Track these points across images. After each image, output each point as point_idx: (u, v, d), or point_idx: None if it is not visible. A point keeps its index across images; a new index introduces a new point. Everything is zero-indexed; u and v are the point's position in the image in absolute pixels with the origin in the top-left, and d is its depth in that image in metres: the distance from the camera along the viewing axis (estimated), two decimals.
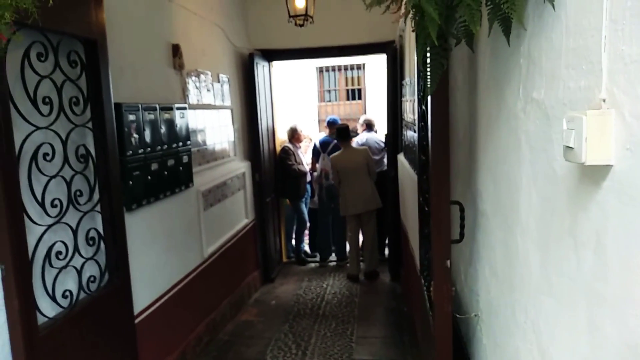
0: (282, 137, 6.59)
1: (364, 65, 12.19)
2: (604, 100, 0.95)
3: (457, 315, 2.15)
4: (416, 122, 2.79)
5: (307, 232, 6.76)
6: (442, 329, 1.93)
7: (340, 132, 5.81)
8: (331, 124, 6.51)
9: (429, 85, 1.55)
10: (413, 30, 1.53)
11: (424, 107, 2.25)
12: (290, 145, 6.32)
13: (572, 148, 0.96)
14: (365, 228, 5.87)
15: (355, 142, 6.26)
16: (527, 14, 1.31)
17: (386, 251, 6.32)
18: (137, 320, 3.06)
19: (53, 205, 2.33)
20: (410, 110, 4.03)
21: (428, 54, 1.54)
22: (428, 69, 1.53)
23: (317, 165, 6.35)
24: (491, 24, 1.33)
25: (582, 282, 1.05)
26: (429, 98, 1.92)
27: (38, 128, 2.24)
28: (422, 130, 2.42)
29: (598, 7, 0.96)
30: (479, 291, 2.00)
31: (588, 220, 1.02)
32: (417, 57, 1.54)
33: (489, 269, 1.82)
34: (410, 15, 1.48)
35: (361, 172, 5.63)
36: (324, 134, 6.81)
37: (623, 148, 0.89)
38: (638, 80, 0.84)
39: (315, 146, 6.51)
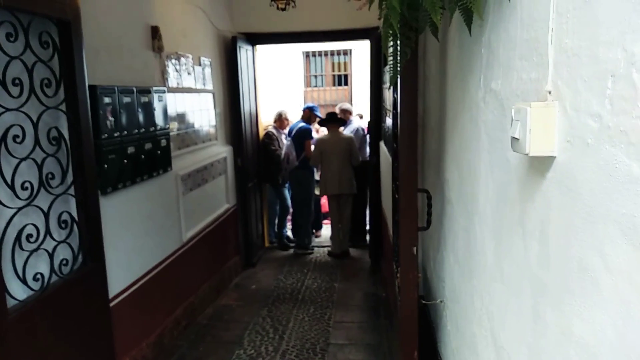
0: (265, 122, 6.57)
1: (350, 51, 12.14)
2: (549, 93, 0.96)
3: (424, 302, 2.19)
4: (391, 109, 2.81)
5: (289, 217, 6.77)
6: (408, 314, 1.96)
7: (328, 117, 6.10)
8: (307, 109, 6.40)
9: (392, 74, 1.56)
10: (379, 18, 1.54)
11: (395, 95, 2.26)
12: (273, 131, 6.30)
13: (518, 139, 0.98)
14: (343, 211, 6.11)
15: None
16: (489, 4, 1.32)
17: (367, 238, 6.37)
18: (112, 304, 3.06)
19: (23, 188, 2.31)
20: (389, 98, 4.04)
21: (392, 43, 1.54)
22: (393, 57, 1.53)
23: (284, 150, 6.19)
24: (452, 14, 1.33)
25: (529, 271, 1.08)
26: (398, 87, 1.93)
27: (7, 110, 2.21)
28: (394, 118, 2.43)
29: None
30: (444, 278, 2.03)
31: (534, 210, 1.04)
32: (383, 45, 1.54)
33: (453, 256, 1.85)
34: (375, 3, 1.48)
35: (342, 157, 5.87)
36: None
37: (565, 140, 0.91)
38: (578, 74, 0.86)
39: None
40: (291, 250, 6.39)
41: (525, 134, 0.95)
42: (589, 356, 0.82)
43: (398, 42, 1.48)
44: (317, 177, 6.54)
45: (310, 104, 6.60)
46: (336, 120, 6.08)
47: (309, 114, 6.37)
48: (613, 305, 0.75)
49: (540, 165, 0.99)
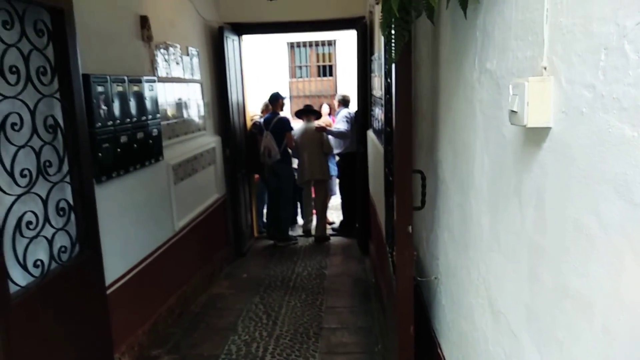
0: (252, 112, 6.59)
1: (335, 41, 12.18)
2: (545, 68, 1.04)
3: (418, 279, 2.27)
4: (382, 95, 2.87)
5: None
6: (404, 290, 2.04)
7: (305, 108, 6.61)
8: (274, 99, 6.23)
9: (390, 57, 1.62)
10: (377, 3, 1.59)
11: (389, 80, 2.33)
12: (261, 121, 6.32)
13: (516, 112, 1.05)
14: (317, 197, 6.48)
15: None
16: None
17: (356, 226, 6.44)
18: (108, 291, 3.10)
19: (22, 175, 2.33)
20: (379, 86, 4.10)
21: (392, 26, 1.60)
22: (389, 41, 1.59)
23: (262, 144, 6.09)
24: None
25: (525, 237, 1.16)
26: (393, 71, 1.99)
27: (5, 97, 2.23)
28: (387, 102, 2.49)
29: None
30: (438, 255, 2.11)
31: (530, 180, 1.12)
32: (381, 29, 1.60)
33: (447, 233, 1.93)
34: None
35: (314, 145, 6.28)
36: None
37: (560, 111, 0.98)
38: (573, 49, 0.93)
39: (259, 124, 6.29)
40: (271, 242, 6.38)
41: (523, 107, 1.02)
42: (585, 306, 0.90)
43: (397, 26, 1.54)
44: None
45: (273, 93, 6.33)
46: (312, 111, 6.49)
47: (282, 103, 6.30)
48: (607, 258, 0.83)
49: (536, 136, 1.07)
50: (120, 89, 3.26)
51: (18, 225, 2.31)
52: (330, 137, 6.43)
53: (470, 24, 1.51)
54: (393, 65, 1.96)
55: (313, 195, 6.62)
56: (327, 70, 12.63)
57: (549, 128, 1.01)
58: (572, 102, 0.93)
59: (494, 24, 1.33)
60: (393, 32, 1.61)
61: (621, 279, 0.80)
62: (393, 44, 1.62)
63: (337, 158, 6.73)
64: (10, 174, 2.26)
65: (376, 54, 4.52)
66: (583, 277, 0.90)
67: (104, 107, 3.06)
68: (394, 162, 2.04)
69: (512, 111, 1.06)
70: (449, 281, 1.93)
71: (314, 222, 6.61)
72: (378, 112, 4.18)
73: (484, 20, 1.41)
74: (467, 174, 1.60)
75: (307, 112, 6.45)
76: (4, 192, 2.22)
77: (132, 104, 3.41)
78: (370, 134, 5.15)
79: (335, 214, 7.48)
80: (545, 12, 1.03)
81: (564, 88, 0.96)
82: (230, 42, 5.64)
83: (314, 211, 6.64)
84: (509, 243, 1.25)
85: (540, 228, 1.08)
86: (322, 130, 6.33)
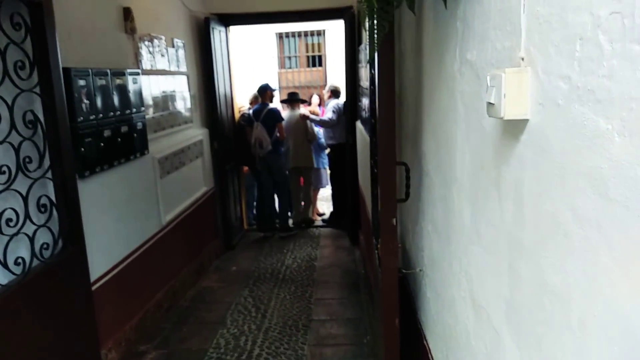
0: (240, 104, 6.54)
1: (324, 31, 12.10)
2: (522, 59, 1.01)
3: (404, 271, 2.26)
4: (368, 87, 2.84)
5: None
6: (388, 282, 2.03)
7: (290, 96, 6.69)
8: (262, 91, 6.24)
9: (371, 48, 1.59)
10: None
11: (373, 71, 2.30)
12: (249, 112, 6.28)
13: (493, 104, 1.03)
14: (304, 185, 6.68)
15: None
16: None
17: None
18: (94, 287, 3.06)
19: (1, 172, 2.29)
20: (365, 76, 4.07)
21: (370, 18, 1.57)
22: (371, 31, 1.57)
23: (252, 135, 6.08)
24: None
25: (504, 231, 1.14)
26: (376, 62, 1.97)
27: None
28: (372, 93, 2.47)
29: None
30: (423, 247, 2.10)
31: (509, 173, 1.10)
32: (361, 19, 1.57)
33: (431, 225, 1.91)
34: None
35: (299, 133, 6.41)
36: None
37: (537, 103, 0.96)
38: (549, 39, 0.91)
39: (248, 115, 6.25)
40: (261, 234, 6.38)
41: (500, 99, 1.00)
42: (562, 302, 0.89)
43: (378, 16, 1.51)
44: None
45: (262, 85, 6.34)
46: (297, 99, 6.61)
47: (271, 94, 6.31)
48: (583, 253, 0.82)
49: (514, 129, 1.05)
50: (102, 82, 3.21)
51: None
52: (320, 128, 6.58)
53: (450, 13, 1.49)
54: (376, 56, 1.93)
55: (302, 185, 6.67)
56: (316, 61, 12.55)
57: (527, 120, 1.00)
58: (548, 93, 0.91)
59: (473, 13, 1.31)
60: (373, 22, 1.58)
61: (596, 275, 0.78)
62: (373, 35, 1.59)
63: (328, 150, 6.75)
64: None
65: (363, 44, 4.49)
66: (560, 273, 0.89)
67: (86, 100, 3.01)
68: (378, 154, 2.02)
69: (490, 103, 1.04)
70: (434, 274, 1.92)
71: None
72: (365, 103, 4.16)
73: (464, 9, 1.38)
74: (449, 166, 1.59)
75: (292, 101, 6.54)
76: None
77: (116, 98, 3.36)
78: (359, 124, 5.13)
79: (325, 204, 7.47)
80: (523, 1, 1.00)
81: (540, 79, 0.94)
82: (217, 33, 5.58)
83: (303, 203, 6.66)
84: (489, 237, 1.24)
85: (519, 222, 1.06)
86: (306, 118, 6.41)
